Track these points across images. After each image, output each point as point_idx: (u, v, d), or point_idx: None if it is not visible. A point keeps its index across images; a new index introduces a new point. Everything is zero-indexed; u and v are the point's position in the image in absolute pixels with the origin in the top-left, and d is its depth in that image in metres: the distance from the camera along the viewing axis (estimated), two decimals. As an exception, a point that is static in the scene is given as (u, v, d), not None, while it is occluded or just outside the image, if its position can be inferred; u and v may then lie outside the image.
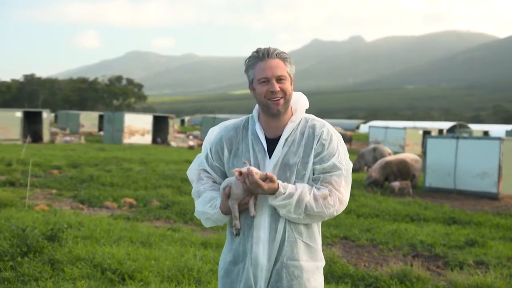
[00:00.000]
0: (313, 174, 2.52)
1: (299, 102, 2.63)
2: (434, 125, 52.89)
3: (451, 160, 14.79)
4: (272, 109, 2.50)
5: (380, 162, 15.09)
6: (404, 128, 34.58)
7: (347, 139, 34.52)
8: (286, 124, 2.55)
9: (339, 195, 2.49)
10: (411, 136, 33.73)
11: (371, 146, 21.02)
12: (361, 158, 19.18)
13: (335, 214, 2.49)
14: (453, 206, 12.02)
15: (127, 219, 8.79)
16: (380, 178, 14.52)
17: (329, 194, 2.46)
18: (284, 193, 2.41)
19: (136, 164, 17.21)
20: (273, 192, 2.41)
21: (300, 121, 2.58)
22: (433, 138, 16.26)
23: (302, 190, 2.44)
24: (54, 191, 11.62)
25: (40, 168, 15.23)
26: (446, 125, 53.84)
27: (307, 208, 2.43)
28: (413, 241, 7.91)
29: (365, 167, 19.13)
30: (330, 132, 2.55)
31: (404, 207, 11.05)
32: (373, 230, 8.68)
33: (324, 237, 7.91)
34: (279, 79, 2.49)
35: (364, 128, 64.94)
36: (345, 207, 2.54)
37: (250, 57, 2.55)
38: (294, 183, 2.48)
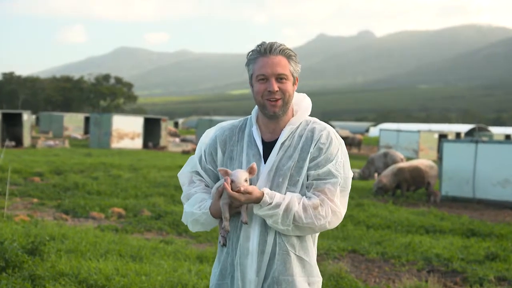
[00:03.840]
0: (307, 180, 2.52)
1: (302, 103, 2.64)
2: (451, 128, 52.91)
3: (470, 167, 14.78)
4: (269, 110, 2.52)
5: (391, 168, 15.11)
6: (418, 132, 34.60)
7: (355, 143, 34.51)
8: (285, 127, 2.57)
9: (332, 205, 2.47)
10: (426, 140, 33.75)
11: (382, 151, 21.04)
12: (371, 164, 19.17)
13: (328, 226, 2.48)
14: (472, 216, 12.02)
15: (116, 230, 8.79)
16: (391, 185, 14.53)
17: (321, 204, 2.45)
18: (271, 203, 2.41)
19: (126, 171, 17.22)
20: (256, 201, 2.42)
21: (300, 124, 2.59)
22: (450, 142, 16.27)
23: (290, 200, 2.44)
24: (35, 200, 11.62)
25: (20, 175, 15.23)
26: (464, 128, 53.89)
27: (296, 218, 2.42)
28: (428, 254, 7.90)
29: (375, 174, 19.14)
30: (330, 136, 2.54)
31: (418, 217, 11.04)
32: (384, 242, 8.67)
33: (330, 251, 7.91)
34: (279, 78, 2.49)
35: (374, 132, 64.98)
36: (341, 220, 2.53)
37: (252, 50, 2.56)
38: (286, 191, 2.49)
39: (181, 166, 18.62)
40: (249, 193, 2.39)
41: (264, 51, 2.50)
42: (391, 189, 14.65)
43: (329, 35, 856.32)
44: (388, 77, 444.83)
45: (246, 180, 2.41)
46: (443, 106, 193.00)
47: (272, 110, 2.51)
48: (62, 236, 7.35)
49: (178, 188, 13.26)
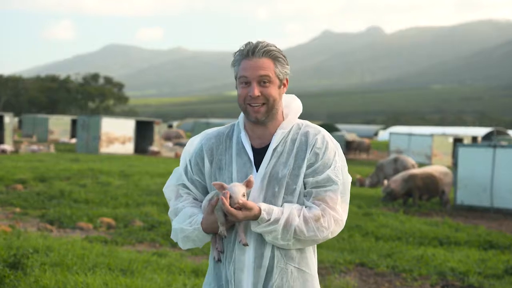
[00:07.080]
0: (305, 188, 2.54)
1: (291, 106, 2.66)
2: (466, 132, 52.95)
3: (487, 173, 14.78)
4: (251, 116, 2.54)
5: (402, 174, 15.12)
6: (431, 135, 34.62)
7: (363, 148, 34.41)
8: (275, 132, 2.59)
9: (334, 214, 2.50)
10: (440, 144, 33.77)
11: (392, 156, 21.04)
12: (380, 170, 19.16)
13: (330, 236, 2.51)
14: (490, 227, 12.02)
15: (105, 242, 8.79)
16: (399, 192, 14.52)
17: (322, 215, 2.48)
18: (269, 220, 2.43)
19: (116, 178, 17.23)
20: (254, 218, 2.43)
21: (291, 128, 2.61)
22: (466, 147, 16.27)
23: (290, 213, 2.45)
24: (17, 209, 11.62)
25: (1, 182, 15.23)
26: (481, 131, 53.91)
27: (297, 233, 2.44)
28: (442, 268, 7.90)
29: (385, 181, 19.14)
30: (325, 139, 2.57)
31: (431, 228, 11.05)
32: (394, 255, 8.67)
33: (337, 264, 7.91)
34: (262, 82, 2.50)
35: (383, 135, 65.06)
36: (342, 228, 2.56)
37: (238, 51, 2.58)
38: (282, 203, 2.50)
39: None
40: (248, 209, 2.40)
41: (247, 53, 2.52)
42: (400, 196, 14.64)
43: (336, 32, 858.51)
44: (398, 77, 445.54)
45: (244, 195, 2.41)
46: (458, 107, 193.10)
47: (254, 116, 2.52)
48: (47, 249, 7.34)
49: (172, 197, 13.27)
